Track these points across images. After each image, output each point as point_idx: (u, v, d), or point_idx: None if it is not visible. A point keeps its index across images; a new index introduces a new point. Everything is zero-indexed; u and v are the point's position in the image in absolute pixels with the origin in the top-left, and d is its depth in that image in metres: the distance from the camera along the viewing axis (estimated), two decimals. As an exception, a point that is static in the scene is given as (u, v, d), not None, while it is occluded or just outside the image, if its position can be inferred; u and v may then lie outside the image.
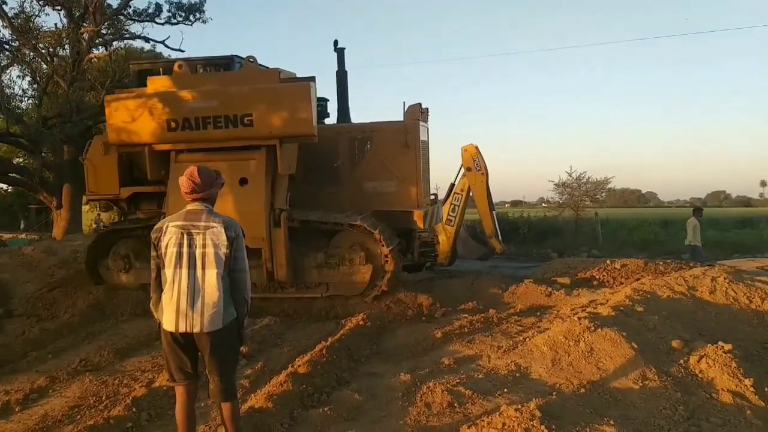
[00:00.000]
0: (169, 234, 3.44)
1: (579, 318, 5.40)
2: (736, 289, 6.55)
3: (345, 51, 9.46)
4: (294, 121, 7.61)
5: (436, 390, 4.47)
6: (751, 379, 4.38)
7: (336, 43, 9.39)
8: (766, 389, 4.33)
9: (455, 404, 4.27)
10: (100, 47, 19.64)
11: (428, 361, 5.47)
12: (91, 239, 9.13)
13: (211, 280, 3.37)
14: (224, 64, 8.87)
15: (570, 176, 19.39)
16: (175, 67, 8.12)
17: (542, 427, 3.62)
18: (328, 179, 8.80)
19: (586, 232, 18.30)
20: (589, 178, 19.50)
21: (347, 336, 6.34)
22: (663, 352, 5.01)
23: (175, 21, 19.86)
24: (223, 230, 3.41)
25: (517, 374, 4.78)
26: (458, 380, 4.66)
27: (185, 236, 3.41)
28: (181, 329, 3.36)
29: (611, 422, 3.75)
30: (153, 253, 3.52)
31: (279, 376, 4.91)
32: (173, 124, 7.80)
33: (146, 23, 19.83)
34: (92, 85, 17.98)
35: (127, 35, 20.41)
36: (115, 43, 20.73)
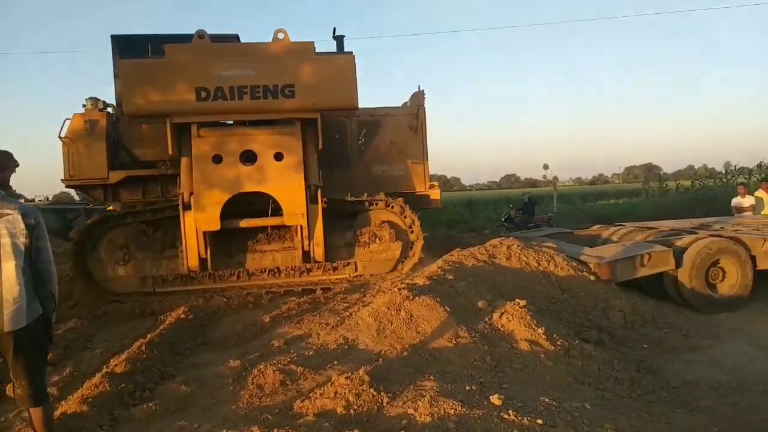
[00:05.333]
0: None
1: (399, 289, 5.76)
2: (527, 254, 7.48)
3: (344, 38, 9.01)
4: (338, 92, 7.41)
5: (267, 371, 4.47)
6: (543, 329, 5.06)
7: (334, 30, 8.97)
8: (554, 335, 5.05)
9: (287, 382, 4.32)
10: None
11: (258, 346, 5.44)
12: (81, 228, 7.67)
13: (9, 273, 2.99)
14: (230, 41, 8.36)
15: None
16: (196, 37, 7.35)
17: (371, 390, 3.83)
18: (336, 162, 8.57)
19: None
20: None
21: (168, 330, 6.03)
22: (471, 312, 5.57)
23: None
24: (20, 217, 3.04)
25: (345, 347, 4.97)
26: (289, 359, 4.71)
27: None
28: None
29: (431, 377, 4.09)
30: None
31: (93, 379, 4.52)
32: (203, 94, 7.12)
33: None
34: None
35: None
36: None
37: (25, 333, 3.03)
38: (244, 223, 7.65)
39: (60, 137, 7.81)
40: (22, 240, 3.03)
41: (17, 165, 3.30)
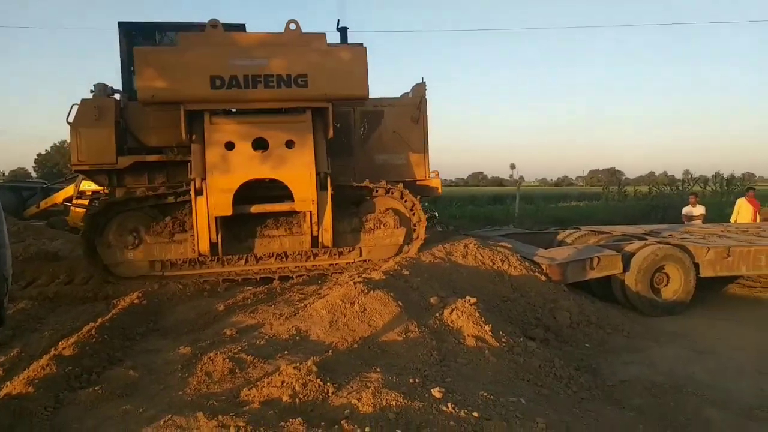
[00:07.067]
0: None
1: (354, 282, 5.87)
2: (483, 253, 7.68)
3: (347, 30, 9.08)
4: (350, 83, 7.56)
5: (216, 359, 4.52)
6: (490, 325, 5.22)
7: (338, 22, 9.08)
8: (500, 332, 5.23)
9: (236, 370, 4.38)
10: None
11: (210, 334, 5.46)
12: (92, 212, 7.69)
13: None
14: (238, 30, 8.36)
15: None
16: (209, 26, 7.47)
17: (318, 380, 3.93)
18: (339, 151, 8.61)
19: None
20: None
21: (120, 315, 5.99)
22: (423, 308, 5.71)
23: None
24: None
25: (297, 337, 5.05)
26: (240, 348, 4.77)
27: None
28: None
29: (378, 370, 4.20)
30: None
31: (40, 360, 4.50)
32: (218, 82, 7.22)
33: None
34: None
35: None
36: None
37: None
38: (255, 208, 7.78)
39: (68, 122, 7.79)
40: None
41: None
